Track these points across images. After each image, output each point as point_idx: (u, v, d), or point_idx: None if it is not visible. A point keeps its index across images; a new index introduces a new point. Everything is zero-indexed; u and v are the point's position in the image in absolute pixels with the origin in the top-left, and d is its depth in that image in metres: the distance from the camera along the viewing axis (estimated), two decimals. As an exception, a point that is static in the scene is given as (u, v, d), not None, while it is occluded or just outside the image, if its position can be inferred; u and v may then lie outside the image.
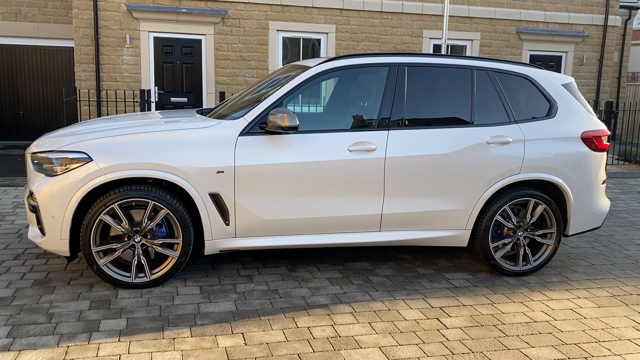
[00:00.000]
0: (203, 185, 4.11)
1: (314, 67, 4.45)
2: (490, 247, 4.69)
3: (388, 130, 4.45)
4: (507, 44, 12.83)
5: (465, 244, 4.73)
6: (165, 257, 4.23)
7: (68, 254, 4.05)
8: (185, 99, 11.19)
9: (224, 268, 4.68)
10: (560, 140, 4.75)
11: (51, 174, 3.99)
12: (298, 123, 4.09)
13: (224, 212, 4.20)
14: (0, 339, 3.30)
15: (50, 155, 4.02)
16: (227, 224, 4.23)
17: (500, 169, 4.59)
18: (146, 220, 4.07)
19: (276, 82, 4.84)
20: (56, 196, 3.93)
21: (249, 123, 4.24)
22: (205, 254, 4.28)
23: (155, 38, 10.86)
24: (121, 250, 4.08)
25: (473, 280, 4.64)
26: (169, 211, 4.07)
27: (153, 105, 10.65)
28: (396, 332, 3.63)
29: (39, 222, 4.11)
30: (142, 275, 4.15)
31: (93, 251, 4.02)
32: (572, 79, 5.09)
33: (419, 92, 4.58)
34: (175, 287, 4.21)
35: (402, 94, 4.53)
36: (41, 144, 4.18)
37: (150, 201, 4.03)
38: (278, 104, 4.31)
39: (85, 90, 10.56)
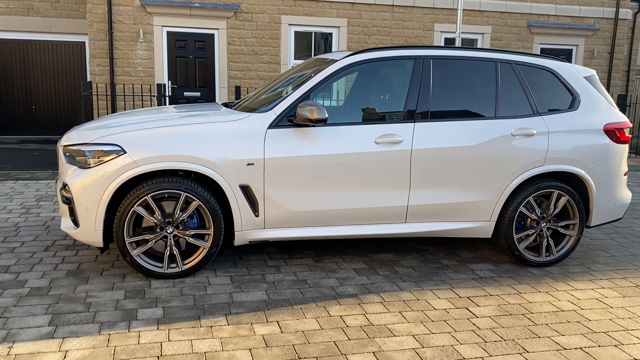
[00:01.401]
0: (233, 177, 4.17)
1: (341, 60, 4.49)
2: (515, 239, 4.74)
3: (414, 122, 4.50)
4: (518, 37, 12.83)
5: (489, 235, 4.79)
6: (196, 247, 4.30)
7: (101, 245, 4.12)
8: (198, 93, 11.24)
9: (251, 259, 4.75)
10: (583, 133, 4.80)
11: (84, 166, 4.06)
12: (327, 116, 4.14)
13: (253, 204, 4.26)
14: (43, 327, 3.37)
15: (83, 148, 4.09)
16: (257, 215, 4.29)
17: (525, 161, 4.64)
18: (178, 211, 4.13)
19: (302, 76, 4.89)
20: (90, 188, 4.00)
21: (278, 116, 4.29)
22: (235, 244, 4.34)
23: (168, 32, 10.91)
24: (154, 241, 4.15)
25: (497, 271, 4.69)
26: (200, 203, 4.13)
27: (167, 100, 10.70)
28: (427, 320, 3.70)
29: (72, 213, 4.18)
30: (174, 265, 4.22)
31: (126, 242, 4.09)
32: (594, 72, 5.13)
33: (444, 85, 4.62)
34: (207, 277, 4.28)
35: (428, 87, 4.58)
36: (73, 137, 4.24)
37: (182, 193, 4.09)
38: (306, 96, 4.36)
39: (100, 85, 10.63)
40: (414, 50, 4.63)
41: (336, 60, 4.52)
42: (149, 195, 4.04)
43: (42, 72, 12.99)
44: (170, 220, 4.15)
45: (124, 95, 9.69)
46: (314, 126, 4.31)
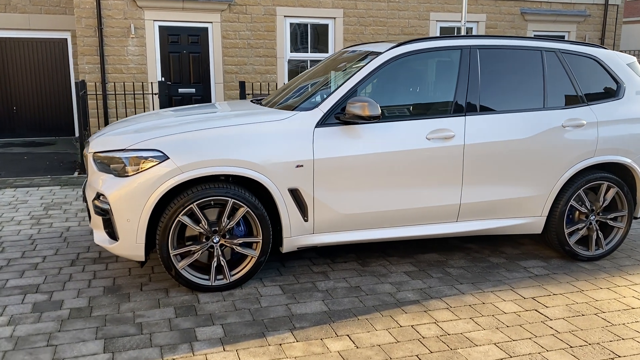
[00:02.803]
0: (282, 180, 3.89)
1: (386, 52, 4.24)
2: (565, 233, 4.59)
3: (465, 116, 4.29)
4: (512, 24, 12.75)
5: (540, 231, 4.62)
6: (242, 257, 4.02)
7: (143, 259, 3.81)
8: (193, 90, 10.84)
9: (294, 265, 4.49)
10: (629, 122, 4.66)
11: (122, 174, 3.73)
12: (380, 112, 3.89)
13: (302, 208, 4.00)
14: (99, 354, 3.06)
15: (119, 155, 3.75)
16: (306, 220, 4.03)
17: (576, 153, 4.48)
18: (225, 219, 3.84)
19: (338, 69, 4.63)
20: (130, 198, 3.67)
21: (325, 113, 4.02)
22: (283, 251, 4.08)
23: (160, 27, 10.46)
24: (200, 252, 3.85)
25: (549, 268, 4.53)
26: (248, 209, 3.85)
27: (157, 97, 10.27)
28: (502, 326, 3.50)
29: (108, 225, 3.86)
30: (221, 277, 3.93)
31: (171, 255, 3.78)
32: (635, 58, 4.99)
33: (492, 76, 4.42)
34: (255, 288, 4.01)
35: (476, 78, 4.37)
36: (105, 143, 3.90)
37: (229, 199, 3.80)
38: (353, 92, 4.10)
39: (90, 83, 10.13)
40: (460, 40, 4.41)
41: (381, 53, 4.26)
42: (194, 204, 3.74)
43: (22, 71, 12.37)
44: (217, 229, 3.86)
45: (115, 93, 9.22)
46: (362, 123, 4.05)
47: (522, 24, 12.86)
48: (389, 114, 4.20)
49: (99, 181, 3.84)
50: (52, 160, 9.26)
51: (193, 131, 3.81)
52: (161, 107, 8.51)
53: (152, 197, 3.67)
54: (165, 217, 3.72)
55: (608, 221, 4.69)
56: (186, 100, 10.84)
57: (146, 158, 3.70)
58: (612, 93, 4.71)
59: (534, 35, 13.12)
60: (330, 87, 4.39)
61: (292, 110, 4.15)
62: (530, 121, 4.39)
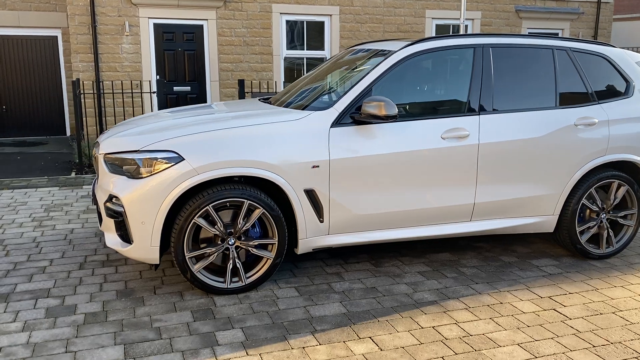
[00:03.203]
0: (298, 181, 3.84)
1: (400, 50, 4.20)
2: (577, 232, 4.59)
3: (479, 115, 4.27)
4: (507, 22, 12.79)
5: (552, 230, 4.62)
6: (257, 259, 3.96)
7: (158, 262, 3.74)
8: (188, 88, 10.73)
9: (307, 267, 4.44)
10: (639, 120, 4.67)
11: (135, 176, 3.66)
12: (397, 111, 3.85)
13: (318, 209, 3.95)
14: (120, 361, 3.00)
15: (132, 156, 3.68)
16: (321, 221, 3.99)
17: (588, 151, 4.48)
18: (241, 221, 3.78)
19: (348, 69, 4.58)
20: (145, 200, 3.60)
21: (340, 113, 3.98)
22: (298, 253, 4.03)
23: (155, 24, 10.33)
24: (215, 254, 3.79)
25: (561, 266, 4.54)
26: (264, 210, 3.79)
27: (155, 96, 10.18)
28: (523, 326, 3.49)
29: (121, 228, 3.78)
30: (236, 279, 3.87)
31: (186, 257, 3.72)
32: (643, 57, 5.00)
33: (505, 74, 4.40)
34: (271, 290, 3.96)
35: (489, 77, 4.35)
36: (118, 144, 3.82)
37: (245, 201, 3.74)
38: (368, 91, 4.06)
39: (87, 82, 9.98)
40: (473, 39, 4.39)
41: (394, 51, 4.23)
42: (210, 205, 3.68)
43: (11, 70, 12.15)
44: (232, 230, 3.80)
45: (113, 92, 9.09)
46: (377, 123, 4.02)
47: (516, 21, 12.90)
48: (403, 114, 4.17)
49: (110, 183, 3.76)
50: (46, 161, 9.11)
51: (208, 132, 3.75)
52: (160, 106, 8.40)
53: (168, 199, 3.60)
54: (181, 220, 3.66)
55: (618, 219, 4.71)
56: (182, 98, 10.73)
57: (160, 159, 3.63)
58: (621, 91, 4.72)
59: (528, 33, 13.17)
60: (341, 86, 4.34)
61: (305, 109, 4.10)
62: (544, 120, 4.39)
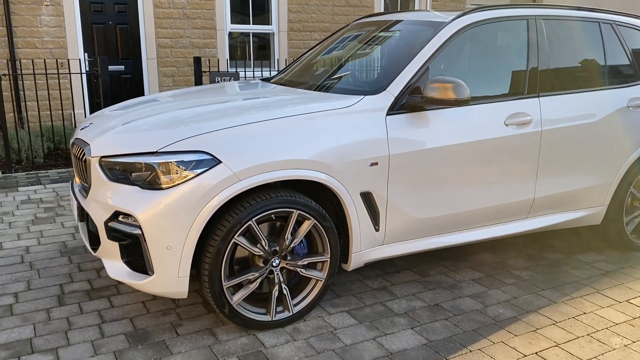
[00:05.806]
0: (354, 182, 3.11)
1: (453, 21, 3.54)
2: (624, 223, 4.24)
3: (538, 97, 3.73)
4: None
5: (599, 222, 4.23)
6: (302, 281, 3.20)
7: (186, 296, 2.87)
8: (122, 67, 9.41)
9: (345, 282, 3.73)
10: (681, 100, 4.36)
11: (154, 186, 2.75)
12: (470, 94, 3.18)
13: (374, 215, 3.24)
14: None
15: (148, 160, 2.76)
16: (377, 230, 3.28)
17: (638, 136, 4.10)
18: (289, 236, 3.00)
19: (378, 43, 3.87)
20: (172, 218, 2.71)
21: (396, 97, 3.26)
22: (349, 269, 3.31)
23: (80, -7, 8.89)
24: (258, 280, 2.98)
25: (612, 261, 4.18)
26: (316, 221, 3.03)
27: (84, 77, 8.79)
28: (629, 343, 3.02)
29: (130, 254, 2.87)
30: (281, 308, 3.09)
31: (224, 287, 2.88)
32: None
33: (557, 50, 3.89)
34: (321, 319, 3.21)
35: (545, 53, 3.81)
36: (124, 143, 2.87)
37: (294, 211, 2.95)
38: (425, 70, 3.37)
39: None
40: (526, 10, 3.82)
41: (446, 22, 3.55)
42: (253, 220, 2.85)
43: None
44: (277, 249, 3.00)
45: (34, 74, 7.66)
46: (439, 109, 3.35)
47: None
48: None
49: (114, 195, 2.82)
50: (-44, 155, 7.55)
51: (242, 125, 2.90)
52: (103, 89, 7.17)
53: (202, 215, 2.73)
54: (217, 240, 2.80)
55: (661, 207, 4.41)
56: (114, 79, 9.41)
57: (189, 163, 2.74)
58: (662, 69, 4.37)
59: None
60: (381, 65, 3.62)
61: (352, 95, 3.33)
62: (599, 101, 3.94)
